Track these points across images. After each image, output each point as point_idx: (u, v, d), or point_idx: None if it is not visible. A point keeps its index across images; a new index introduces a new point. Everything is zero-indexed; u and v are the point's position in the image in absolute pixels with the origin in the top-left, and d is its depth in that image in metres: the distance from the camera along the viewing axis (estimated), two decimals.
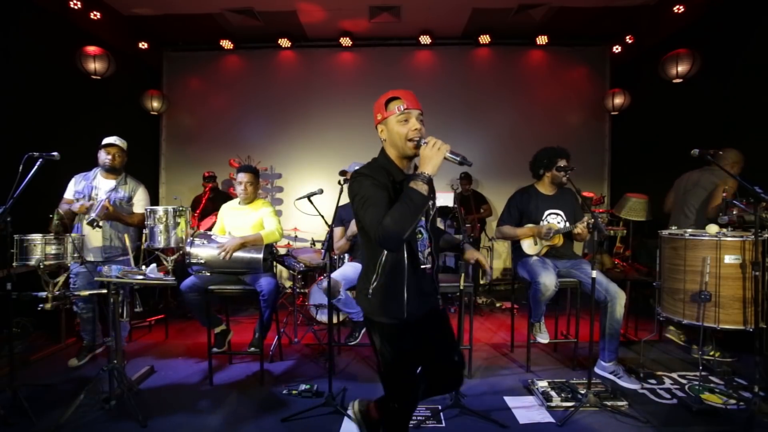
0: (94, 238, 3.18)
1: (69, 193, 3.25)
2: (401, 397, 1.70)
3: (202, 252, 2.99)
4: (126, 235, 3.16)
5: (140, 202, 3.33)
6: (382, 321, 1.65)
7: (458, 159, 1.52)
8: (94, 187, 3.22)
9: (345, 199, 2.87)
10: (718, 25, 4.52)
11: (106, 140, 3.24)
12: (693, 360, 3.27)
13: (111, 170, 3.23)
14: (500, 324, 4.46)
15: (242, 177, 3.22)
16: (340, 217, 3.31)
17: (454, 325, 2.04)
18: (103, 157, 3.20)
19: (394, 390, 1.71)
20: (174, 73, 6.50)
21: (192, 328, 4.32)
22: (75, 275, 3.15)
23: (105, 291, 2.65)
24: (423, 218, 1.68)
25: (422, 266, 1.67)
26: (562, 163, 3.07)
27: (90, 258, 3.13)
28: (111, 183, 3.24)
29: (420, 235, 1.67)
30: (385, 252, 1.60)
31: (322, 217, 2.92)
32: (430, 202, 1.70)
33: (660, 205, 3.96)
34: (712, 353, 3.30)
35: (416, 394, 1.73)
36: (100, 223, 2.99)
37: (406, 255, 1.60)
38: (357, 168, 1.63)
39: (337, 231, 3.33)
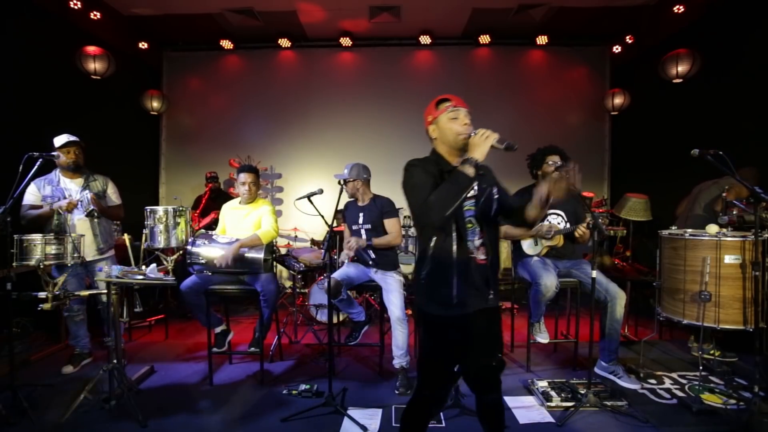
0: (87, 238, 3.15)
1: (34, 199, 3.08)
2: (433, 387, 1.76)
3: (204, 252, 2.99)
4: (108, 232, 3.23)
5: (114, 194, 3.36)
6: (430, 311, 1.70)
7: (503, 145, 1.63)
8: (64, 189, 3.15)
9: (345, 199, 2.89)
10: (718, 25, 4.51)
11: (61, 140, 3.11)
12: (693, 360, 3.27)
13: (76, 169, 3.19)
14: None
15: (245, 177, 3.22)
16: (342, 215, 3.35)
17: None
18: (64, 158, 3.10)
19: (428, 379, 1.76)
20: (174, 73, 6.49)
21: (192, 328, 4.32)
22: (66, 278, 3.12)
23: (105, 291, 2.65)
24: (473, 209, 1.72)
25: (471, 255, 1.69)
26: (552, 159, 3.06)
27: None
28: (79, 182, 3.21)
29: (470, 225, 1.71)
30: (434, 239, 1.67)
31: (322, 217, 2.91)
32: (483, 192, 1.74)
33: (661, 205, 3.94)
34: (712, 352, 3.30)
35: (448, 389, 1.79)
36: (96, 213, 3.09)
37: (455, 242, 1.66)
38: (409, 163, 1.73)
39: (346, 229, 3.35)
